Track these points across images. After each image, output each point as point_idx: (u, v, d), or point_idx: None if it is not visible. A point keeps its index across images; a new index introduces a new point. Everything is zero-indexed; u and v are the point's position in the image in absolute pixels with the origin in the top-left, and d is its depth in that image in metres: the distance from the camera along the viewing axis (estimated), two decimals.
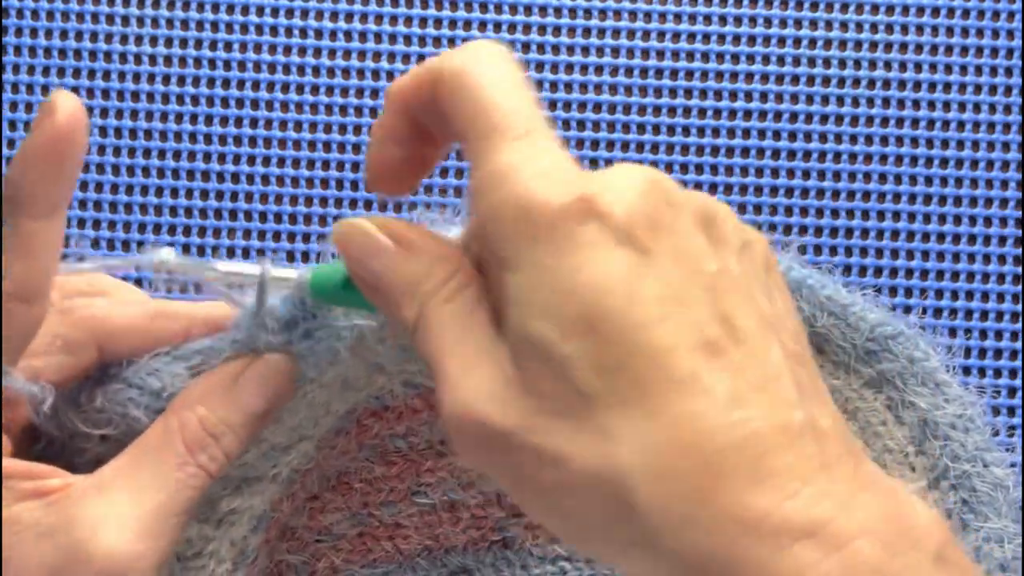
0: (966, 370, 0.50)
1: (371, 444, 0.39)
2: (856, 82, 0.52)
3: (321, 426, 0.36)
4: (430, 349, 0.29)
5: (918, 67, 0.52)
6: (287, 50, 0.51)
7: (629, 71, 0.52)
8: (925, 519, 0.26)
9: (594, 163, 0.51)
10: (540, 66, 0.52)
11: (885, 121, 0.52)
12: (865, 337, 0.41)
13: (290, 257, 0.50)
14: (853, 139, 0.52)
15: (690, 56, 0.52)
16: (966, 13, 0.52)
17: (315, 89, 0.51)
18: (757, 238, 0.30)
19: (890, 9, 0.52)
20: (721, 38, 0.52)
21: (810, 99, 0.52)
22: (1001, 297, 0.51)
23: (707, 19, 0.52)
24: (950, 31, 0.52)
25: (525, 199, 0.27)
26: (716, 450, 0.25)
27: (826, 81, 0.52)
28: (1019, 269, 0.51)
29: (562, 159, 0.28)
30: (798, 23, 0.52)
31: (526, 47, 0.52)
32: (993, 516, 0.40)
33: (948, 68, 0.52)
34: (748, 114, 0.52)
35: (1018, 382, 0.50)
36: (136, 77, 0.51)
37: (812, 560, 0.24)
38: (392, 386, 0.37)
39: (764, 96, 0.52)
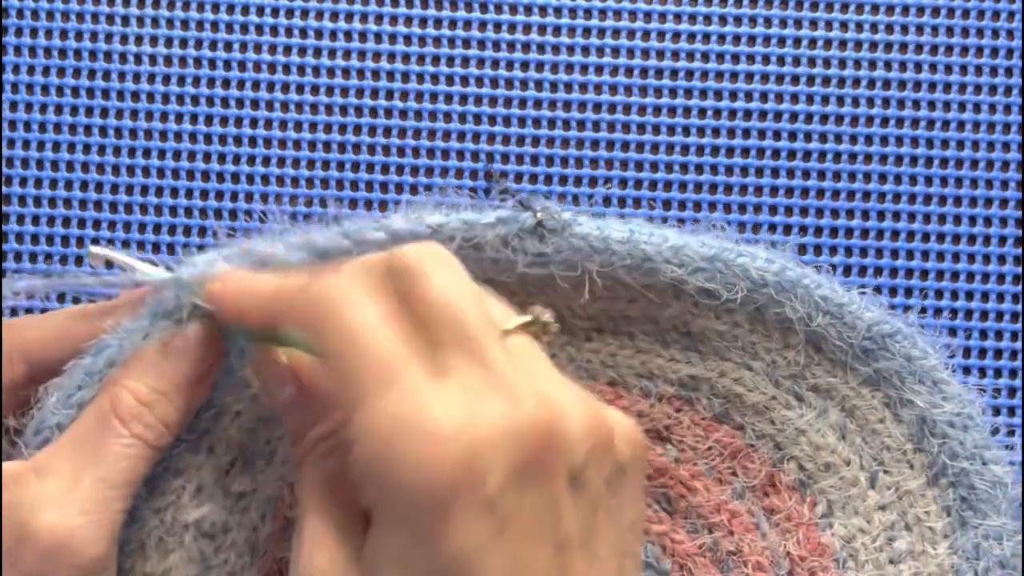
0: (966, 370, 0.50)
1: None
2: (856, 82, 0.52)
3: None
4: (300, 498, 0.32)
5: (918, 67, 0.52)
6: (287, 50, 0.51)
7: (629, 71, 0.52)
8: None
9: (594, 163, 0.51)
10: (540, 66, 0.52)
11: (885, 121, 0.52)
12: (862, 336, 0.41)
13: None
14: (853, 139, 0.52)
15: (690, 56, 0.52)
16: (966, 13, 0.52)
17: (315, 89, 0.51)
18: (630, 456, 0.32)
19: (890, 9, 0.52)
20: (721, 38, 0.52)
21: (810, 99, 0.52)
22: (1001, 297, 0.51)
23: (707, 19, 0.52)
24: (950, 31, 0.52)
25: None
26: None
27: (826, 81, 0.52)
28: (1019, 269, 0.51)
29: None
30: (798, 23, 0.52)
31: (526, 47, 0.52)
32: (992, 513, 0.40)
33: (948, 68, 0.52)
34: (748, 114, 0.52)
35: (1018, 382, 0.50)
36: (136, 77, 0.51)
37: None
38: None
39: (764, 96, 0.52)
